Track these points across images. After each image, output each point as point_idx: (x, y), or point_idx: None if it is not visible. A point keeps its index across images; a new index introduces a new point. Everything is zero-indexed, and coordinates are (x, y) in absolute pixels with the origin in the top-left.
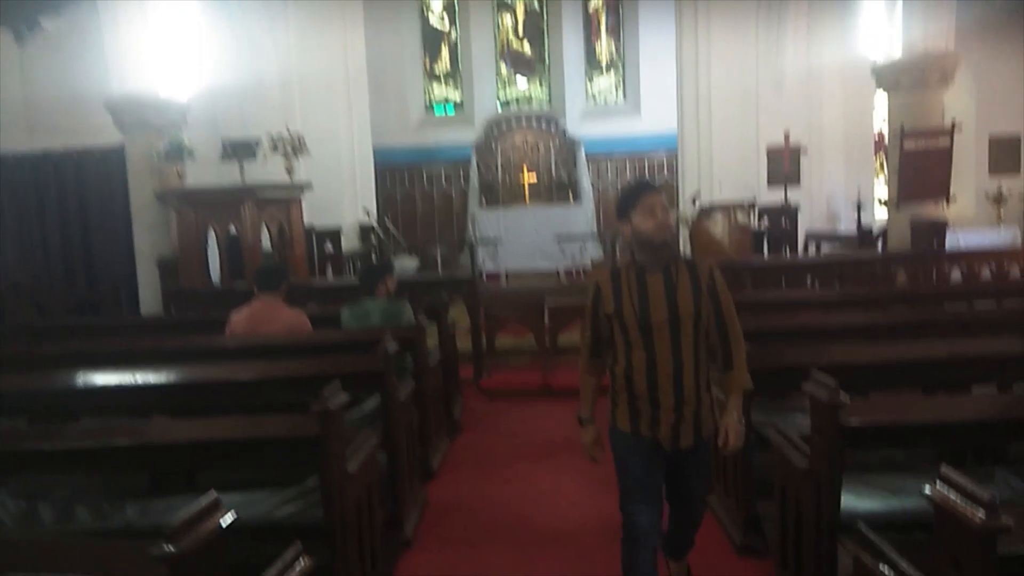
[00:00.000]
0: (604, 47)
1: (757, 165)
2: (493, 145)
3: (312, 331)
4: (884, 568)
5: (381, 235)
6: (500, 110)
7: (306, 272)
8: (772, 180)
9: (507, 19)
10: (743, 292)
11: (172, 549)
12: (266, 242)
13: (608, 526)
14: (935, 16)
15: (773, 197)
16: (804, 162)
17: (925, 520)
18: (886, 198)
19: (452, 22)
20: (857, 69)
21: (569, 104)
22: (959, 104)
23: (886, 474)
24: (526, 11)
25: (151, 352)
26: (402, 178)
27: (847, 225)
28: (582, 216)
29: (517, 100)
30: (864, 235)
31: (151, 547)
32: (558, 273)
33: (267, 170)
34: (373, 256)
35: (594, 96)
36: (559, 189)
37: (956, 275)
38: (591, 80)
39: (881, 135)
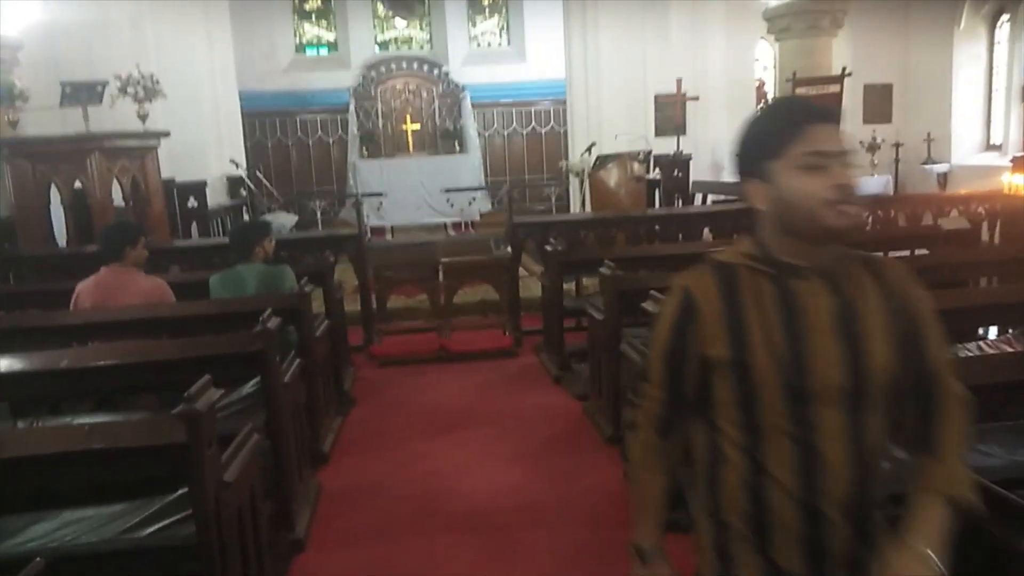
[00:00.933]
0: None
1: (645, 114)
2: (372, 90)
3: (175, 302)
4: None
5: (252, 188)
6: (378, 52)
7: (167, 232)
8: (660, 130)
9: None
10: (644, 248)
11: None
12: (119, 198)
13: (524, 504)
14: None
15: (660, 147)
16: (690, 111)
17: None
18: None
19: None
20: (741, 16)
21: (452, 48)
22: (836, 53)
23: None
24: None
25: None
26: (273, 126)
27: (730, 175)
28: (469, 167)
29: (396, 42)
30: None
31: None
32: (446, 227)
33: (117, 117)
34: (245, 212)
35: (478, 39)
36: (444, 138)
37: None
38: (473, 24)
39: (762, 83)
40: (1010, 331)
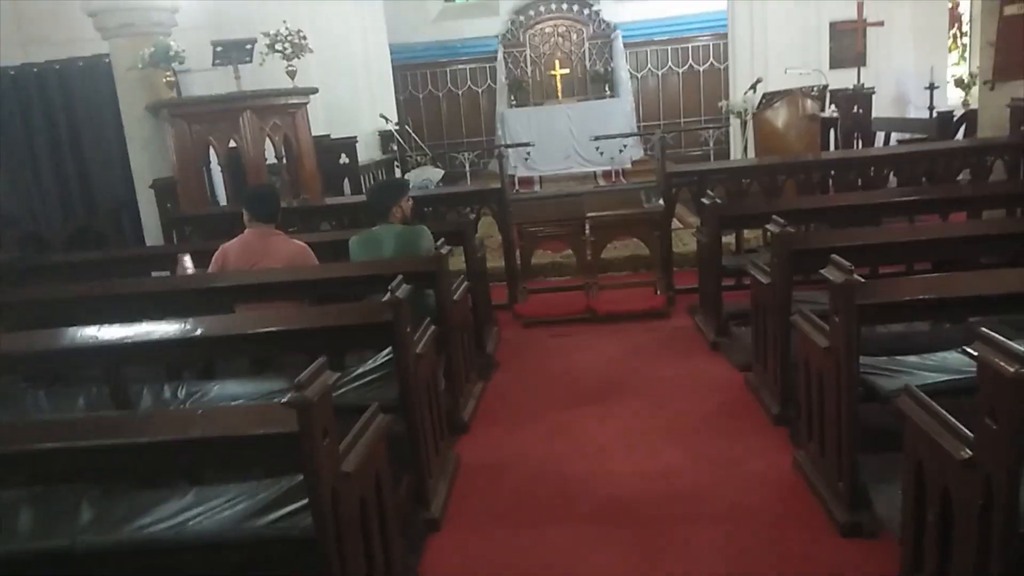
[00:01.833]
0: None
1: (818, 45)
2: (521, 36)
3: (317, 265)
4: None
5: (403, 143)
6: None
7: (319, 189)
8: (836, 62)
9: None
10: (818, 198)
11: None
12: (271, 156)
13: (676, 494)
14: None
15: (836, 81)
16: (871, 40)
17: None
18: (963, 78)
19: None
20: None
21: None
22: None
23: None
24: None
25: (125, 298)
26: (424, 78)
27: (917, 111)
28: (621, 111)
29: None
30: (944, 120)
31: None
32: (595, 176)
33: (269, 77)
34: (396, 167)
35: None
36: (595, 82)
37: None
38: None
39: (955, 5)
40: None
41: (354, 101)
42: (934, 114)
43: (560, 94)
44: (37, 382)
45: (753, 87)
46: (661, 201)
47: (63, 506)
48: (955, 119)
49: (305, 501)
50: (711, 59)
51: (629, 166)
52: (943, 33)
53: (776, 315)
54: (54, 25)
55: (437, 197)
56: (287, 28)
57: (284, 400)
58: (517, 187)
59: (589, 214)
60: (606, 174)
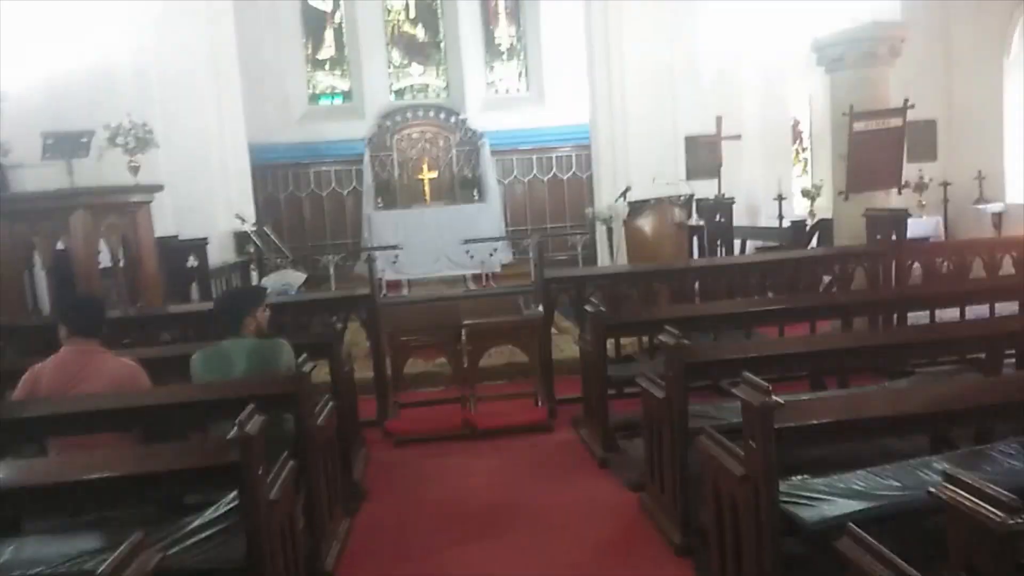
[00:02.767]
0: (504, 31)
1: (675, 156)
2: (388, 140)
3: (150, 387)
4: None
5: (259, 244)
6: (394, 100)
7: (160, 295)
8: (692, 173)
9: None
10: (699, 307)
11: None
12: (106, 259)
13: None
14: None
15: (692, 191)
16: (723, 152)
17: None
18: (808, 189)
19: (335, 2)
20: (774, 53)
21: (469, 94)
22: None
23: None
24: None
25: None
26: (285, 178)
27: (768, 219)
28: (489, 216)
29: (412, 89)
30: (798, 229)
31: None
32: (465, 279)
33: (115, 172)
34: (252, 270)
35: (495, 85)
36: (463, 187)
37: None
38: (491, 68)
39: (797, 122)
40: None
41: (208, 200)
42: (784, 223)
43: (428, 197)
44: None
45: (623, 194)
46: (540, 307)
47: None
48: (808, 228)
49: None
50: (574, 168)
51: (499, 270)
52: (788, 147)
53: (672, 432)
54: None
55: (299, 305)
56: (130, 120)
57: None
58: (385, 291)
59: (465, 321)
60: (476, 278)
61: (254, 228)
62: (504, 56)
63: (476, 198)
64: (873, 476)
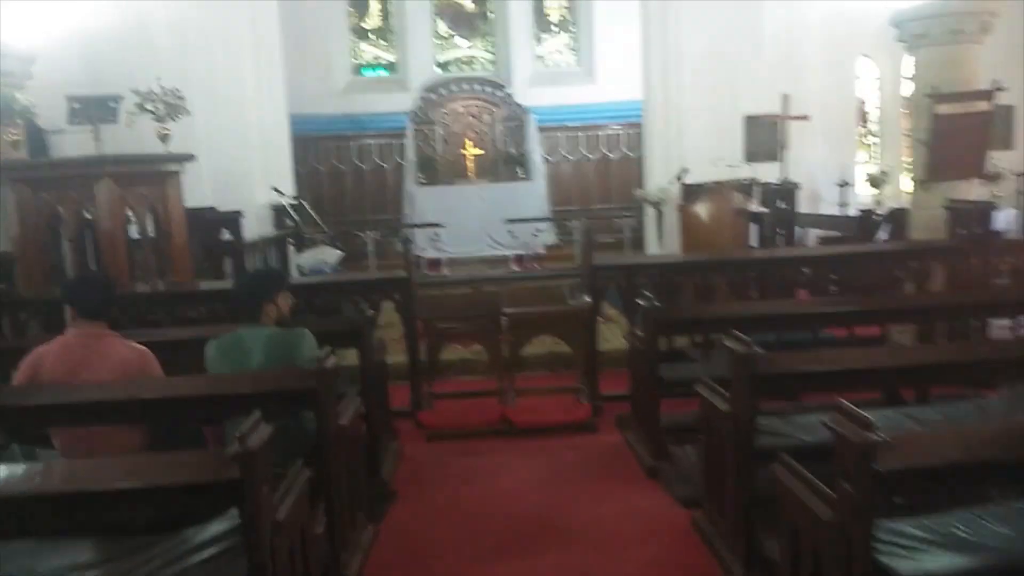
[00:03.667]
0: (554, 2)
1: (733, 137)
2: (431, 113)
3: (161, 376)
4: None
5: (296, 219)
6: (439, 73)
7: (190, 270)
8: (749, 155)
9: None
10: (757, 304)
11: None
12: (136, 231)
13: None
14: None
15: (754, 175)
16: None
17: None
18: (876, 176)
19: None
20: (841, 29)
21: (516, 68)
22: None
23: None
24: None
25: None
26: (327, 151)
27: (828, 207)
28: (534, 195)
29: (458, 62)
30: (866, 219)
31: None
32: (507, 260)
33: (152, 142)
34: (290, 245)
35: (543, 59)
36: (507, 164)
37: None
38: (540, 41)
39: (862, 102)
40: None
41: (246, 172)
42: (848, 211)
43: (472, 174)
44: None
45: (679, 176)
46: (587, 297)
47: None
48: (877, 218)
49: None
50: (623, 147)
51: (542, 251)
52: (853, 130)
53: (737, 453)
54: None
55: (331, 285)
56: (160, 86)
57: None
58: (425, 269)
59: (506, 309)
60: (518, 259)
61: (292, 202)
62: (554, 28)
63: (521, 176)
64: (977, 520)
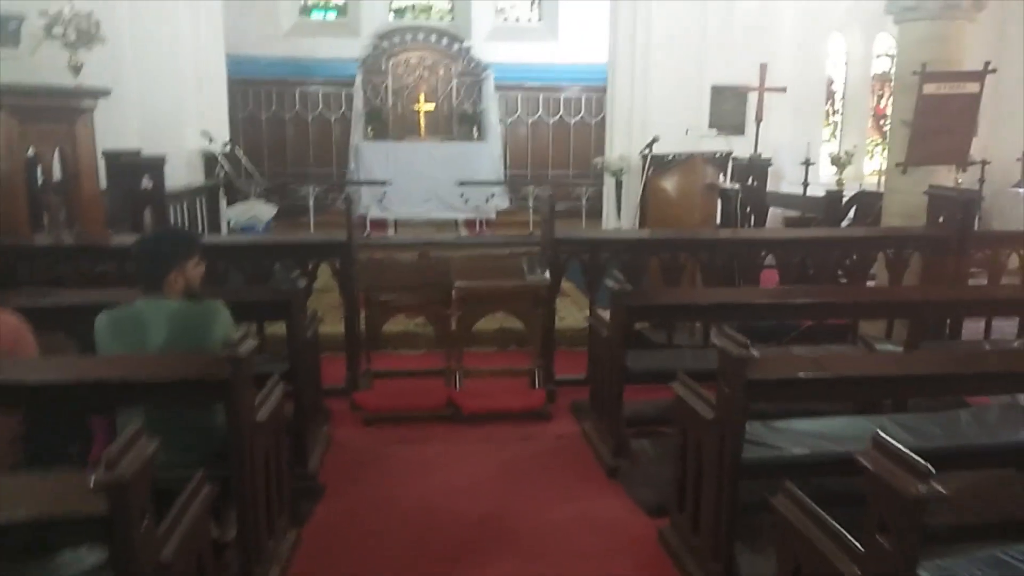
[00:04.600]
0: None
1: (698, 107)
2: (383, 63)
3: (34, 353)
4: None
5: (227, 168)
6: (392, 20)
7: (99, 221)
8: (714, 128)
9: None
10: (735, 291)
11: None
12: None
13: None
14: None
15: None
16: (751, 108)
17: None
18: (839, 156)
19: None
20: (815, 3)
21: (475, 20)
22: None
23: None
24: None
25: None
26: (269, 97)
27: (790, 186)
28: (488, 156)
29: (414, 10)
30: (834, 200)
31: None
32: (457, 224)
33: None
34: (223, 197)
35: (504, 12)
36: (461, 123)
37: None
38: None
39: (831, 81)
40: None
41: (178, 114)
42: (808, 191)
43: (423, 131)
44: None
45: (649, 146)
46: (546, 273)
47: None
48: (845, 200)
49: None
50: (582, 112)
51: (494, 216)
52: (820, 108)
53: (723, 467)
54: None
55: (259, 247)
56: (71, 9)
57: None
58: (369, 230)
59: (458, 282)
60: (469, 223)
61: (224, 149)
62: None
63: (475, 136)
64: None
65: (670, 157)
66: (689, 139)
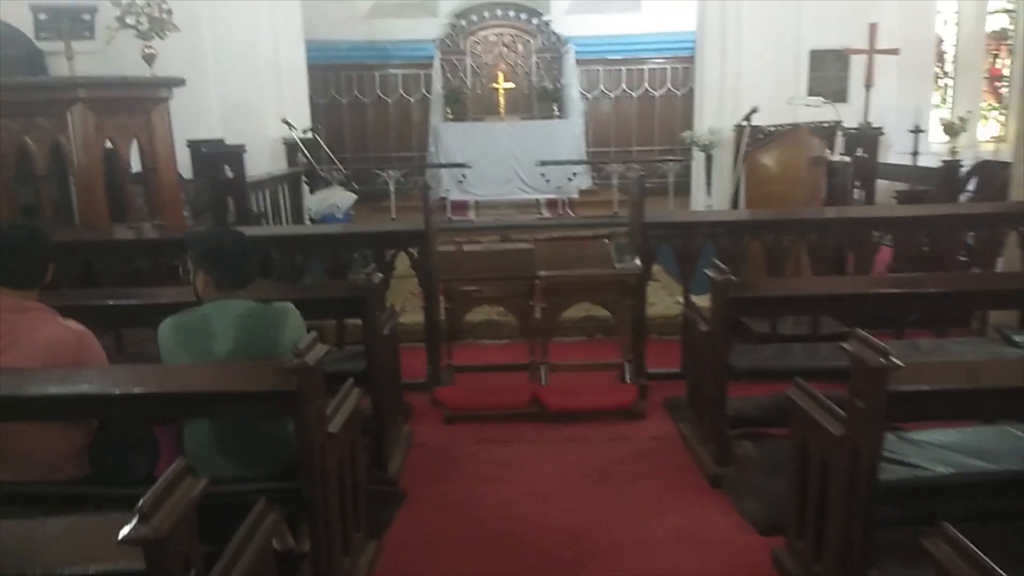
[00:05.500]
0: None
1: (796, 75)
2: (461, 42)
3: (103, 362)
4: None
5: (308, 155)
6: None
7: (179, 212)
8: (813, 95)
9: None
10: (863, 280)
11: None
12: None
13: None
14: None
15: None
16: (854, 73)
17: None
18: (952, 123)
19: None
20: None
21: None
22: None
23: None
24: None
25: None
26: (348, 82)
27: (898, 156)
28: (569, 134)
29: None
30: (951, 172)
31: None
32: (539, 204)
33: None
34: (305, 184)
35: None
36: (542, 100)
37: None
38: None
39: (940, 41)
40: None
41: (259, 102)
42: (918, 161)
43: (503, 110)
44: None
45: (748, 117)
46: (636, 260)
47: None
48: (964, 171)
49: None
50: (668, 84)
51: (576, 196)
52: (930, 71)
53: (855, 492)
54: None
55: (333, 239)
56: None
57: None
58: (449, 213)
59: (541, 272)
60: (551, 203)
61: (302, 135)
62: None
63: (556, 113)
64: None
65: (770, 128)
66: (787, 109)
